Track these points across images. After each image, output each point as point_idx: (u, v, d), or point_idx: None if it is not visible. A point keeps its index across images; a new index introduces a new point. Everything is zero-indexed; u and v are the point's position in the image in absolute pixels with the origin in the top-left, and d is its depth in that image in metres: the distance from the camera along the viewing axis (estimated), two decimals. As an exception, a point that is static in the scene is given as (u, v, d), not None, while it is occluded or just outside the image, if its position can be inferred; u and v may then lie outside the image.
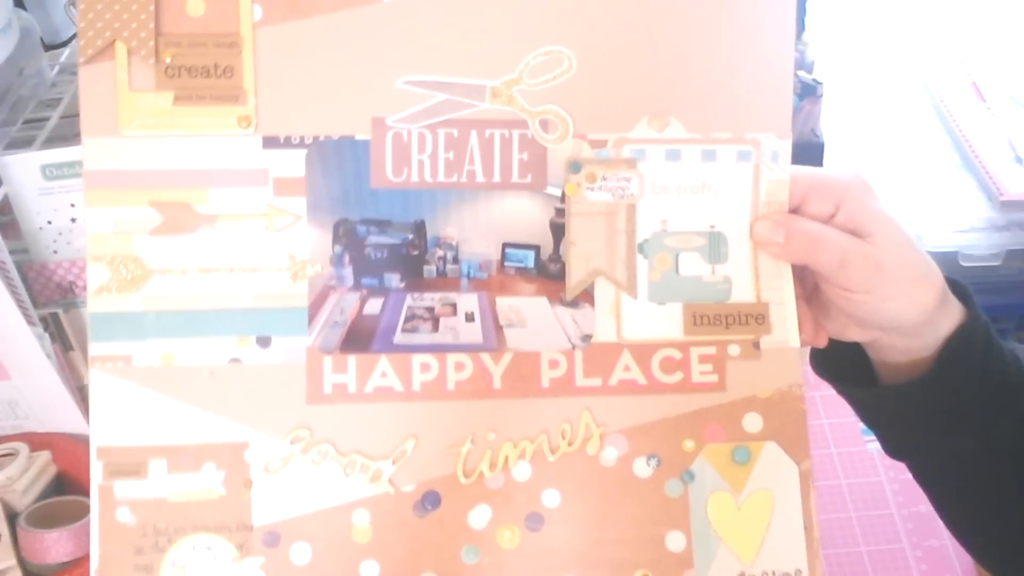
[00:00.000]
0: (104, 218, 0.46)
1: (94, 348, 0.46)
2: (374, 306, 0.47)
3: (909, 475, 0.56)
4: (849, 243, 0.47)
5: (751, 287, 0.49)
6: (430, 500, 0.46)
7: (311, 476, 0.46)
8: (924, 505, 0.58)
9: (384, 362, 0.47)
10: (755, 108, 0.48)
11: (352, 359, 0.47)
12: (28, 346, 0.58)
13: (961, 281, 0.51)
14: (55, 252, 0.64)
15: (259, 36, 0.46)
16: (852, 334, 0.51)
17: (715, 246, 0.49)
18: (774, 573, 0.47)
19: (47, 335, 0.60)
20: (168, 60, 0.45)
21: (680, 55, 0.47)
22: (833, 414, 0.76)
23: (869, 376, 0.54)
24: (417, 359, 0.47)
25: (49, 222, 0.63)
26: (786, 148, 0.48)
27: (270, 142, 0.46)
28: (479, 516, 0.47)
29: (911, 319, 0.49)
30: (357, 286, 0.47)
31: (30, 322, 0.58)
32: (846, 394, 0.55)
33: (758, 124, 0.48)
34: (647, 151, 0.48)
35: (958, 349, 0.50)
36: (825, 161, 0.71)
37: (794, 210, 0.48)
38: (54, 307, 0.64)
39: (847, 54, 0.89)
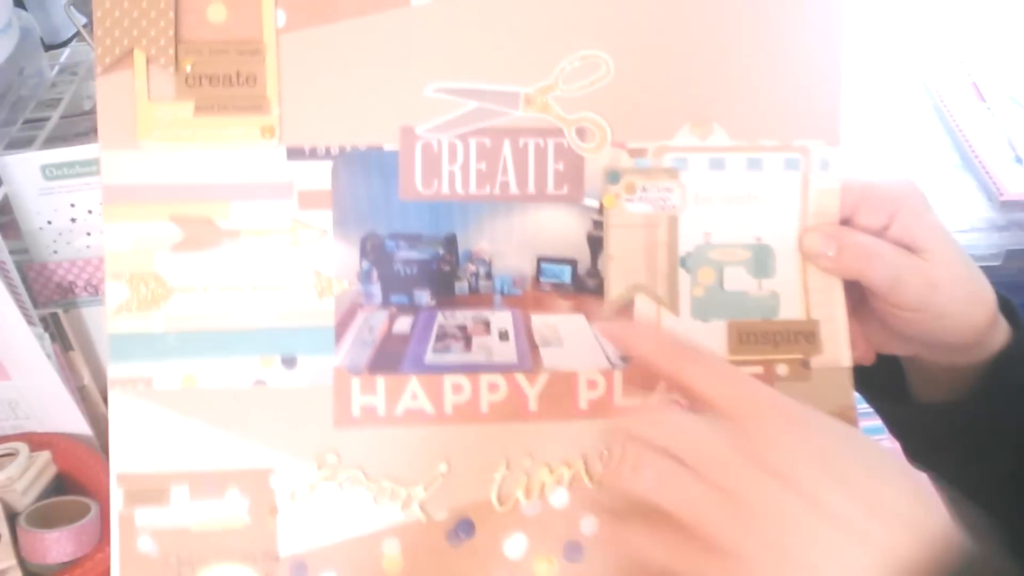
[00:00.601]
0: (123, 234, 0.44)
1: (113, 370, 0.44)
2: (404, 324, 0.45)
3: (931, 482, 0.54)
4: (904, 259, 0.45)
5: (800, 303, 0.46)
6: (464, 528, 0.44)
7: (339, 503, 0.44)
8: None
9: (415, 383, 0.45)
10: (803, 113, 0.45)
11: (381, 380, 0.45)
12: (28, 346, 0.57)
13: (1007, 297, 0.49)
14: (55, 252, 0.63)
15: (283, 43, 0.44)
16: (894, 348, 0.49)
17: (761, 259, 0.46)
18: None
19: (47, 335, 0.59)
20: (189, 68, 0.43)
21: (723, 58, 0.45)
22: None
23: (899, 386, 0.51)
24: (449, 380, 0.45)
25: (49, 222, 0.62)
26: (836, 156, 0.46)
27: (295, 153, 0.44)
28: (515, 545, 0.44)
29: (963, 339, 0.46)
30: (386, 303, 0.45)
31: (30, 322, 0.57)
32: (880, 409, 0.53)
33: (806, 130, 0.46)
34: (689, 160, 0.46)
35: (1005, 370, 0.47)
36: None
37: (845, 221, 0.46)
38: (54, 307, 0.63)
39: (847, 54, 0.88)
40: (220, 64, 0.44)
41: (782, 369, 0.46)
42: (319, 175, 0.44)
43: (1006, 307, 0.49)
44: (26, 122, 0.66)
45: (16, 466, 0.56)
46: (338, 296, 0.45)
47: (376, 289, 0.45)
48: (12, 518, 0.55)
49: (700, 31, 0.45)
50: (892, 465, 0.36)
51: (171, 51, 0.43)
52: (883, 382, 0.52)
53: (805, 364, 0.46)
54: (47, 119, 0.66)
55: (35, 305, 0.62)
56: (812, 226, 0.46)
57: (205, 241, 0.44)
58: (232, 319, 0.44)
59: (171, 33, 0.43)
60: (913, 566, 0.33)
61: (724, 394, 0.37)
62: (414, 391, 0.45)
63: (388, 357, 0.45)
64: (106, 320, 0.44)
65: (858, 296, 0.48)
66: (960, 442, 0.49)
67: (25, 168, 0.60)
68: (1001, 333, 0.48)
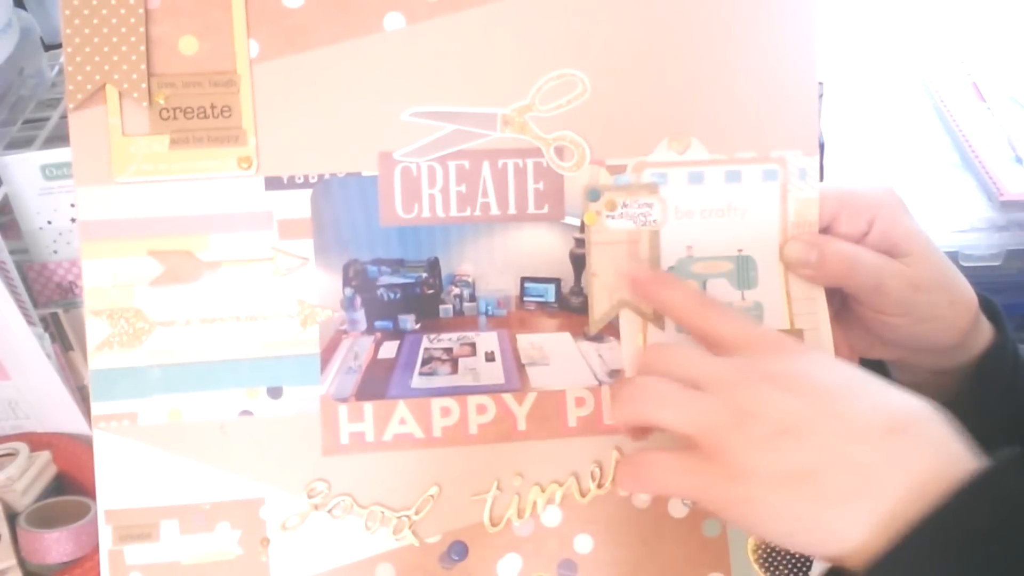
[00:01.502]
0: (102, 270, 0.44)
1: (97, 407, 0.43)
2: (389, 349, 0.45)
3: None
4: (885, 264, 0.45)
5: (784, 313, 0.46)
6: (456, 551, 0.44)
7: (331, 531, 0.44)
8: None
9: (403, 408, 0.45)
10: (779, 125, 0.46)
11: (369, 406, 0.44)
12: (28, 346, 0.57)
13: (990, 297, 0.49)
14: (55, 252, 0.63)
15: (257, 73, 0.43)
16: (878, 352, 0.49)
17: (744, 271, 0.46)
18: None
19: (47, 335, 0.60)
20: (162, 102, 0.43)
21: (698, 73, 0.45)
22: None
23: None
24: (437, 403, 0.45)
25: (49, 222, 0.63)
26: (814, 165, 0.46)
27: (273, 183, 0.44)
28: (509, 566, 0.44)
29: (945, 341, 0.47)
30: (371, 329, 0.45)
31: (30, 322, 0.57)
32: None
33: (783, 141, 0.46)
34: (668, 175, 0.46)
35: (990, 371, 0.48)
36: (825, 161, 0.70)
37: (825, 229, 0.46)
38: (54, 307, 0.63)
39: (847, 54, 0.88)
40: (194, 96, 0.43)
41: (768, 379, 0.46)
42: (298, 204, 0.44)
43: (989, 308, 0.49)
44: (26, 122, 0.67)
45: (16, 466, 0.57)
46: (322, 324, 0.45)
47: (360, 315, 0.45)
48: (12, 518, 0.55)
49: (675, 47, 0.45)
50: (904, 392, 0.37)
51: (143, 85, 0.43)
52: None
53: (790, 373, 0.46)
54: (47, 119, 0.66)
55: (35, 305, 0.62)
56: (793, 236, 0.46)
57: (185, 274, 0.44)
58: (216, 351, 0.44)
59: (143, 67, 0.43)
60: (933, 479, 0.33)
61: (745, 334, 0.40)
62: (402, 416, 0.45)
63: (375, 383, 0.45)
64: (88, 357, 0.43)
65: (840, 302, 0.49)
66: None
67: (25, 168, 0.61)
68: (984, 335, 0.48)
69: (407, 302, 0.45)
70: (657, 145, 0.46)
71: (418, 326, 0.46)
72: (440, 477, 0.45)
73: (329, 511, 0.44)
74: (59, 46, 0.81)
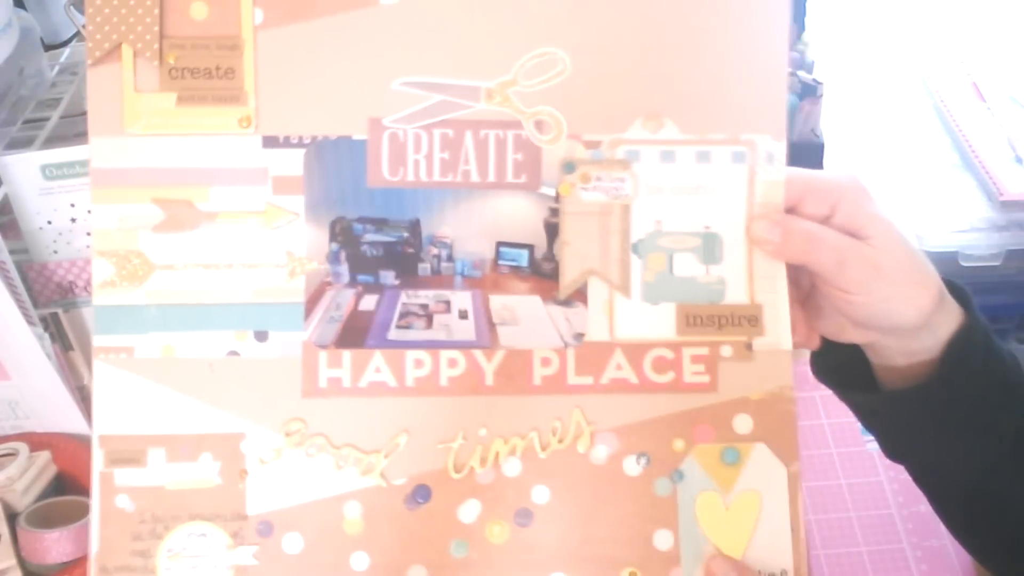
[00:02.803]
0: (109, 214, 0.47)
1: (98, 340, 0.47)
2: (369, 302, 0.48)
3: (909, 475, 0.56)
4: (847, 243, 0.47)
5: (745, 288, 0.49)
6: (421, 494, 0.47)
7: (304, 468, 0.47)
8: (924, 505, 0.57)
9: (379, 357, 0.48)
10: (750, 110, 0.48)
11: (347, 354, 0.48)
12: (28, 346, 0.58)
13: (960, 284, 0.51)
14: (55, 252, 0.64)
15: (260, 39, 0.47)
16: (850, 335, 0.51)
17: (710, 247, 0.49)
18: (760, 573, 0.47)
19: (47, 335, 0.60)
20: (172, 62, 0.47)
21: (674, 57, 0.48)
22: (833, 414, 0.75)
23: (869, 380, 0.53)
24: (411, 355, 0.48)
25: (49, 222, 0.63)
26: (781, 150, 0.48)
27: (270, 142, 0.48)
28: (469, 510, 0.47)
29: (909, 321, 0.48)
30: (353, 282, 0.48)
31: (30, 322, 0.58)
32: (847, 399, 0.55)
33: (753, 125, 0.48)
34: (641, 152, 0.48)
35: (959, 353, 0.49)
36: (825, 161, 0.70)
37: (790, 211, 0.48)
38: (54, 307, 0.64)
39: (847, 54, 0.88)
40: (201, 58, 0.47)
41: (726, 350, 0.48)
42: (292, 162, 0.48)
43: (959, 294, 0.51)
44: (26, 122, 0.67)
45: (16, 466, 0.57)
46: (308, 275, 0.48)
47: (344, 269, 0.48)
48: (12, 518, 0.56)
49: (653, 31, 0.48)
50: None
51: (156, 46, 0.47)
52: (849, 375, 0.54)
53: (748, 346, 0.48)
54: (47, 119, 0.67)
55: (35, 305, 0.62)
56: (759, 215, 0.48)
57: (185, 222, 0.48)
58: (209, 295, 0.48)
59: (156, 29, 0.46)
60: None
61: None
62: (378, 365, 0.48)
63: (354, 333, 0.48)
64: (92, 293, 0.47)
65: (809, 286, 0.51)
66: (925, 427, 0.51)
67: (25, 168, 0.61)
68: (952, 318, 0.50)
69: (389, 259, 0.49)
70: (632, 123, 0.48)
71: (397, 282, 0.49)
72: (409, 424, 0.47)
73: (304, 449, 0.47)
74: (59, 46, 0.81)
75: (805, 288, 0.51)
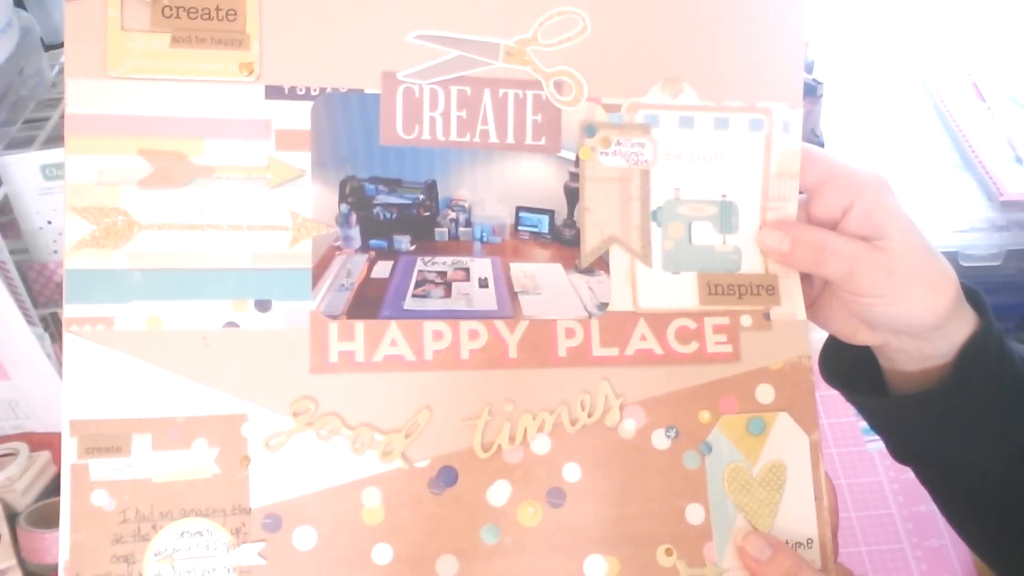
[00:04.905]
0: (87, 166, 0.41)
1: (70, 309, 0.41)
2: (383, 269, 0.44)
3: (909, 475, 0.55)
4: (856, 251, 0.46)
5: (759, 258, 0.48)
6: (446, 476, 0.43)
7: (316, 452, 0.42)
8: (924, 505, 0.57)
9: (394, 329, 0.44)
10: (767, 77, 0.48)
11: (360, 325, 0.43)
12: (28, 346, 0.58)
13: (975, 287, 0.50)
14: (55, 252, 0.64)
15: (266, -22, 0.43)
16: (863, 337, 0.50)
17: (726, 216, 0.48)
18: (787, 543, 0.46)
19: (47, 335, 0.60)
20: (166, -2, 0.42)
21: (693, 21, 0.47)
22: (833, 414, 0.76)
23: (878, 383, 0.53)
24: (429, 326, 0.44)
25: (49, 222, 0.63)
26: (797, 119, 0.48)
27: (273, 92, 0.43)
28: (499, 492, 0.44)
29: (924, 324, 0.48)
30: (365, 248, 0.44)
31: (30, 322, 0.58)
32: (857, 402, 0.54)
33: (770, 93, 0.48)
34: (660, 117, 0.47)
35: (973, 358, 0.49)
36: None
37: (808, 191, 0.48)
38: (54, 307, 0.63)
39: (847, 54, 0.89)
40: (200, -5, 0.42)
41: (746, 320, 0.48)
42: (298, 115, 0.43)
43: (974, 298, 0.50)
44: (26, 122, 0.67)
45: (16, 466, 0.58)
46: (315, 239, 0.43)
47: (355, 233, 0.44)
48: (12, 518, 0.56)
49: None
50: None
51: (148, -22, 0.42)
52: (858, 377, 0.53)
53: (766, 315, 0.48)
54: (47, 119, 0.67)
55: (35, 305, 0.62)
56: (770, 222, 0.48)
57: (176, 177, 0.42)
58: (203, 259, 0.42)
59: (149, -41, 0.42)
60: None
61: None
62: (394, 337, 0.44)
63: (367, 302, 0.44)
64: (64, 256, 0.41)
65: (823, 284, 0.50)
66: (936, 432, 0.51)
67: (25, 168, 0.61)
68: (967, 322, 0.49)
69: (403, 223, 0.45)
70: (651, 87, 0.47)
71: (413, 247, 0.45)
72: (430, 401, 0.44)
73: (315, 431, 0.42)
74: (59, 46, 0.80)
75: (819, 286, 0.51)
